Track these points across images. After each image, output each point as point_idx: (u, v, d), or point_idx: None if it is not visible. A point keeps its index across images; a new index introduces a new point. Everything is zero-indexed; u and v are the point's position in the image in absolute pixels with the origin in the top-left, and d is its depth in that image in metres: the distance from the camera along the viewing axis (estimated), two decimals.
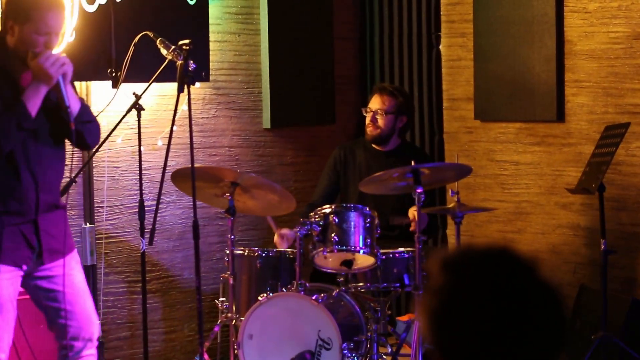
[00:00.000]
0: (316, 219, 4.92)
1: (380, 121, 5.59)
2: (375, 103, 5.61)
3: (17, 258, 3.92)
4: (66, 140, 4.16)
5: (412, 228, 5.21)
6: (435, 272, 1.70)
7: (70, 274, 4.09)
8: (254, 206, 5.18)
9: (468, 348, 1.65)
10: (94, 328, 4.15)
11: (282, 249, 5.24)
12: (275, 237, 5.30)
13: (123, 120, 4.78)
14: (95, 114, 5.17)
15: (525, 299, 1.65)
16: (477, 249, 1.72)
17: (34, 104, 3.88)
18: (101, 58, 5.17)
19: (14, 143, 3.86)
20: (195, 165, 4.41)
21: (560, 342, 1.67)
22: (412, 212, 5.20)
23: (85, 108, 4.12)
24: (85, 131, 4.04)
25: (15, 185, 3.92)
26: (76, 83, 5.18)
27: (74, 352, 4.10)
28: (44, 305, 4.09)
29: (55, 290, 4.06)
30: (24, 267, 3.97)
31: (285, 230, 5.30)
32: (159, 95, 5.58)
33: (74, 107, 3.98)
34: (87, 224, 5.32)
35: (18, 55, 3.93)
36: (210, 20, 5.74)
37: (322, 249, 4.90)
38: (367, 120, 5.64)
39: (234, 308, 4.99)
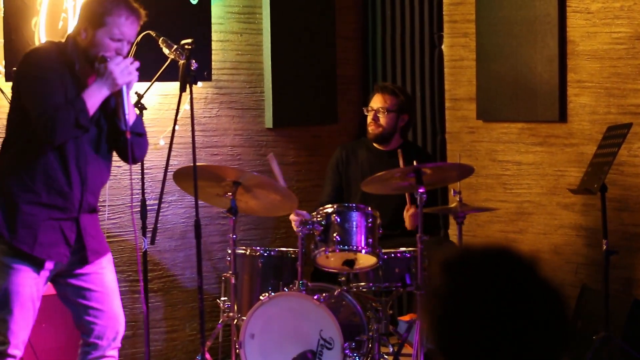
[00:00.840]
0: (318, 219, 4.92)
1: (382, 119, 5.59)
2: (377, 102, 5.62)
3: (52, 253, 3.92)
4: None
5: (406, 224, 5.25)
6: (436, 273, 1.70)
7: (101, 273, 4.09)
8: (256, 206, 5.17)
9: (470, 348, 1.65)
10: (120, 328, 4.15)
11: (284, 249, 5.24)
12: (292, 215, 5.28)
13: None
14: None
15: (526, 299, 1.65)
16: (478, 249, 1.72)
17: (93, 104, 3.89)
18: None
19: (67, 137, 3.86)
20: (198, 163, 4.40)
21: (563, 343, 1.67)
22: (410, 210, 5.26)
23: (140, 121, 4.13)
24: (135, 143, 4.05)
25: (63, 181, 3.92)
26: None
27: (97, 351, 4.10)
28: (72, 302, 4.08)
29: (87, 288, 4.06)
30: (51, 265, 3.95)
31: (302, 212, 5.30)
32: (161, 95, 5.58)
33: (132, 117, 3.99)
34: None
35: (87, 57, 3.95)
36: (213, 20, 5.74)
37: (324, 248, 4.90)
38: (369, 119, 5.64)
39: (235, 307, 4.99)
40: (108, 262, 4.16)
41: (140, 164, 4.87)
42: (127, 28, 3.94)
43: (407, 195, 5.37)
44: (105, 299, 4.09)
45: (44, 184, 3.92)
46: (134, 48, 4.85)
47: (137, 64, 3.99)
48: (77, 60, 3.96)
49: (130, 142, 3.99)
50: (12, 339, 3.92)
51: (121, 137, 4.00)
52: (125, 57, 3.98)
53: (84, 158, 3.97)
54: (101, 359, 4.11)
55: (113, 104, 4.02)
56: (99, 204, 4.20)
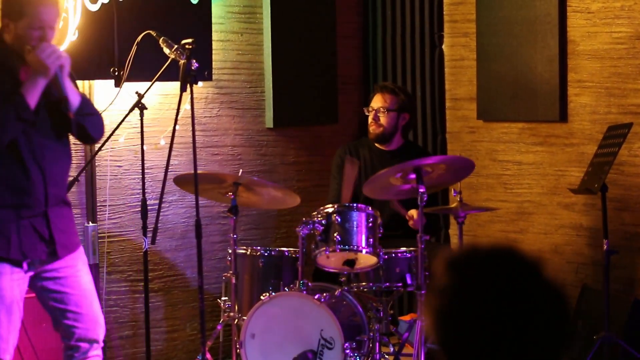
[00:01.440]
0: (319, 218, 4.92)
1: (383, 119, 5.59)
2: (377, 101, 5.62)
3: (28, 252, 3.92)
4: (71, 138, 4.17)
5: (410, 224, 5.25)
6: (440, 271, 1.70)
7: (77, 275, 4.09)
8: (258, 201, 5.22)
9: (473, 348, 1.65)
10: (100, 329, 4.15)
11: (285, 249, 5.24)
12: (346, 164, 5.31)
13: (126, 119, 4.79)
14: None
15: (529, 299, 1.65)
16: (482, 249, 1.72)
17: (32, 96, 3.90)
18: (104, 57, 5.17)
19: (13, 134, 3.86)
20: (197, 171, 4.41)
21: (565, 342, 1.67)
22: (412, 212, 5.25)
23: (86, 101, 4.14)
24: (87, 123, 4.06)
25: (22, 178, 3.92)
26: (79, 82, 5.19)
27: (80, 353, 4.10)
28: (50, 306, 4.09)
29: (62, 291, 4.05)
30: (27, 264, 3.95)
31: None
32: (162, 94, 5.58)
33: (74, 99, 3.99)
34: (90, 222, 5.32)
35: (15, 51, 3.96)
36: (213, 20, 5.74)
37: (324, 248, 4.90)
38: (370, 119, 5.64)
39: (236, 307, 4.99)
40: (83, 263, 4.15)
41: (140, 164, 4.88)
42: (45, 14, 3.95)
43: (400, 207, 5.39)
44: (83, 301, 4.09)
45: (4, 185, 3.91)
46: (134, 48, 4.87)
47: (62, 51, 3.98)
48: (8, 56, 3.97)
49: (78, 124, 4.00)
50: (2, 344, 3.91)
51: (67, 120, 4.01)
52: (52, 42, 3.98)
53: (39, 150, 3.96)
54: (86, 359, 4.12)
55: (56, 93, 4.00)
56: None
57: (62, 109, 3.97)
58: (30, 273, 3.99)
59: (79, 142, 4.54)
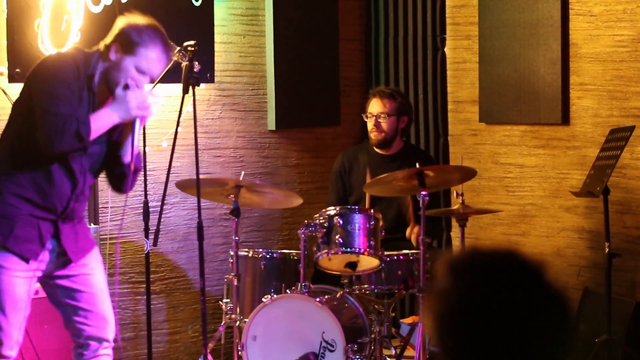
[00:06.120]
0: (320, 221, 4.92)
1: (384, 124, 5.59)
2: (376, 107, 5.60)
3: (24, 248, 3.92)
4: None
5: (407, 236, 5.26)
6: (442, 274, 1.70)
7: (90, 274, 4.09)
8: (261, 201, 5.25)
9: (474, 351, 1.65)
10: (110, 329, 4.16)
11: (287, 251, 5.24)
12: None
13: None
14: None
15: (532, 303, 1.65)
16: (485, 252, 1.72)
17: (100, 126, 3.88)
18: None
19: (65, 148, 3.81)
20: (198, 176, 4.42)
21: (568, 346, 1.67)
22: (410, 232, 5.29)
23: (140, 156, 4.14)
24: (130, 177, 4.05)
25: (52, 180, 3.91)
26: None
27: (90, 351, 4.11)
28: (62, 303, 4.08)
29: (75, 289, 4.06)
30: (35, 264, 3.96)
31: None
32: (164, 96, 5.58)
33: (135, 151, 4.01)
34: (92, 224, 5.32)
35: (107, 77, 3.93)
36: (216, 22, 5.75)
37: (326, 250, 4.90)
38: (370, 125, 5.62)
39: (238, 309, 4.99)
40: (97, 262, 4.15)
41: (142, 166, 4.87)
42: (156, 66, 3.94)
43: (411, 213, 5.36)
44: (94, 300, 4.09)
45: (32, 180, 3.90)
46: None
47: (155, 100, 3.98)
48: (98, 76, 3.95)
49: (123, 173, 4.01)
50: (6, 340, 3.91)
51: (119, 167, 4.02)
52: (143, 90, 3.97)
53: (82, 169, 3.96)
54: (95, 358, 4.12)
55: (117, 134, 4.01)
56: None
57: (121, 155, 3.99)
58: (39, 273, 3.98)
59: None
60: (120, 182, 4.07)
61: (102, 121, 3.88)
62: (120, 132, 4.02)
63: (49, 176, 3.91)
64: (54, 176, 3.91)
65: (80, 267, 4.06)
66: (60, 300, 4.09)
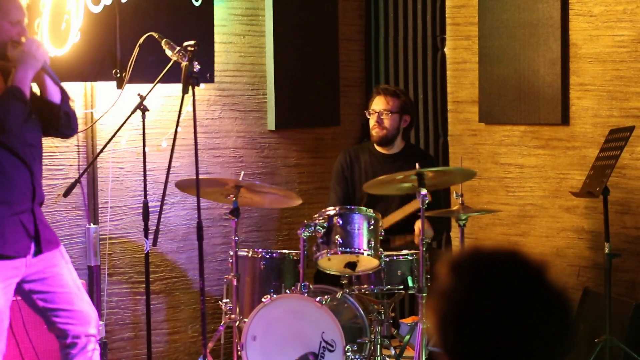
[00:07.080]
0: (320, 221, 4.92)
1: (387, 122, 5.58)
2: (379, 104, 5.60)
3: (19, 248, 3.92)
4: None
5: (416, 242, 5.19)
6: (444, 274, 1.69)
7: (60, 273, 4.10)
8: (260, 201, 5.25)
9: (475, 351, 1.65)
10: (93, 323, 4.15)
11: (286, 251, 5.24)
12: None
13: (127, 121, 4.80)
14: (99, 114, 5.20)
15: (533, 303, 1.65)
16: (487, 252, 1.71)
17: (26, 88, 3.93)
18: (106, 59, 5.17)
19: (16, 117, 3.87)
20: (198, 177, 4.42)
21: (568, 346, 1.67)
22: (418, 226, 5.22)
23: (65, 92, 4.16)
24: (71, 111, 4.09)
25: (14, 175, 3.93)
26: (80, 83, 5.20)
27: (77, 349, 4.11)
28: (40, 308, 4.09)
29: (50, 291, 4.06)
30: (17, 263, 3.95)
31: None
32: (164, 96, 5.58)
33: (60, 90, 4.05)
34: (91, 224, 5.32)
35: None
36: (216, 22, 5.74)
37: (326, 250, 4.90)
38: (372, 122, 5.62)
39: (237, 309, 4.99)
40: (65, 261, 4.16)
41: (142, 165, 4.87)
42: (20, 9, 4.02)
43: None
44: (72, 298, 4.10)
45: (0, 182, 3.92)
46: (136, 50, 4.87)
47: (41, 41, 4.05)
48: None
49: (66, 112, 4.05)
50: None
51: (54, 110, 4.04)
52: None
53: (28, 149, 3.99)
54: (83, 354, 4.12)
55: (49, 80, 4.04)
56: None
57: (50, 100, 4.00)
58: (17, 279, 3.98)
59: (67, 143, 4.53)
60: (64, 125, 4.11)
61: (24, 84, 3.90)
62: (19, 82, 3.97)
63: (11, 168, 3.92)
64: (13, 165, 3.92)
65: (49, 268, 4.06)
66: (38, 305, 4.08)
